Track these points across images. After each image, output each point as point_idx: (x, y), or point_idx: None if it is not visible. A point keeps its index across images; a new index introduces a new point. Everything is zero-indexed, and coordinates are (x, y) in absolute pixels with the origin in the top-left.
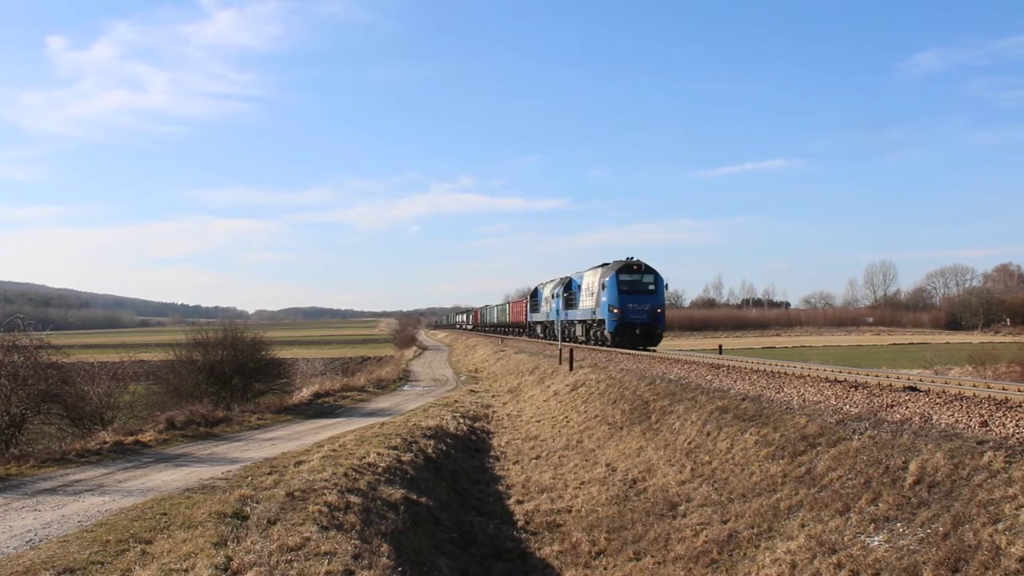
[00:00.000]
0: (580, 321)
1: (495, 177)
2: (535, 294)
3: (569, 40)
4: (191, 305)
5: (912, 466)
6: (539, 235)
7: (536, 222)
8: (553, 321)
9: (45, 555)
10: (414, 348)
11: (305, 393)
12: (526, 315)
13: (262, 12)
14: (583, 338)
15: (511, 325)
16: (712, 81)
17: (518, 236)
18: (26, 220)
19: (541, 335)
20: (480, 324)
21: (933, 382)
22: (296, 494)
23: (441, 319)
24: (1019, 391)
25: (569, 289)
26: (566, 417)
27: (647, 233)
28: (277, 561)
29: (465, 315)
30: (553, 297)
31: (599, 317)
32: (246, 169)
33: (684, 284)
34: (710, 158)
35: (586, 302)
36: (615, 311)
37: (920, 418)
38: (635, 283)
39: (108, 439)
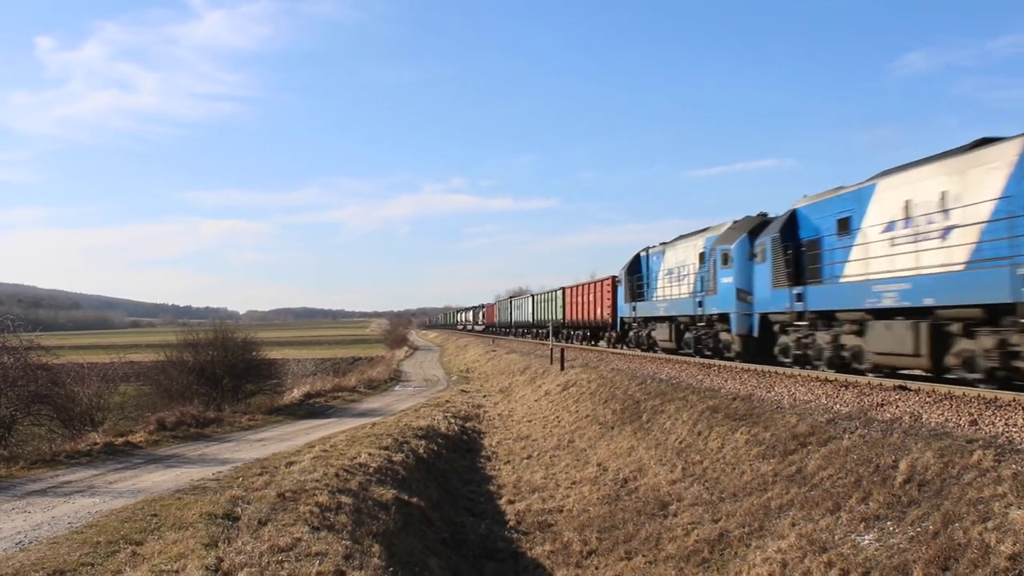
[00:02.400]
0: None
1: (486, 178)
2: (636, 266)
3: (561, 42)
4: (181, 306)
5: (902, 465)
6: (529, 235)
7: (526, 222)
8: (715, 316)
9: (35, 557)
10: (405, 348)
11: (296, 394)
12: (613, 306)
13: (252, 12)
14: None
15: (573, 325)
16: (703, 82)
17: (508, 237)
18: (16, 221)
19: (670, 342)
20: (497, 324)
21: (923, 381)
22: (287, 495)
23: (435, 319)
24: (1008, 390)
25: (791, 236)
26: (557, 417)
27: (637, 234)
28: (268, 562)
29: (471, 312)
30: (714, 265)
31: None
32: (236, 170)
33: None
34: (701, 158)
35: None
36: None
37: (910, 417)
38: None
39: (98, 440)
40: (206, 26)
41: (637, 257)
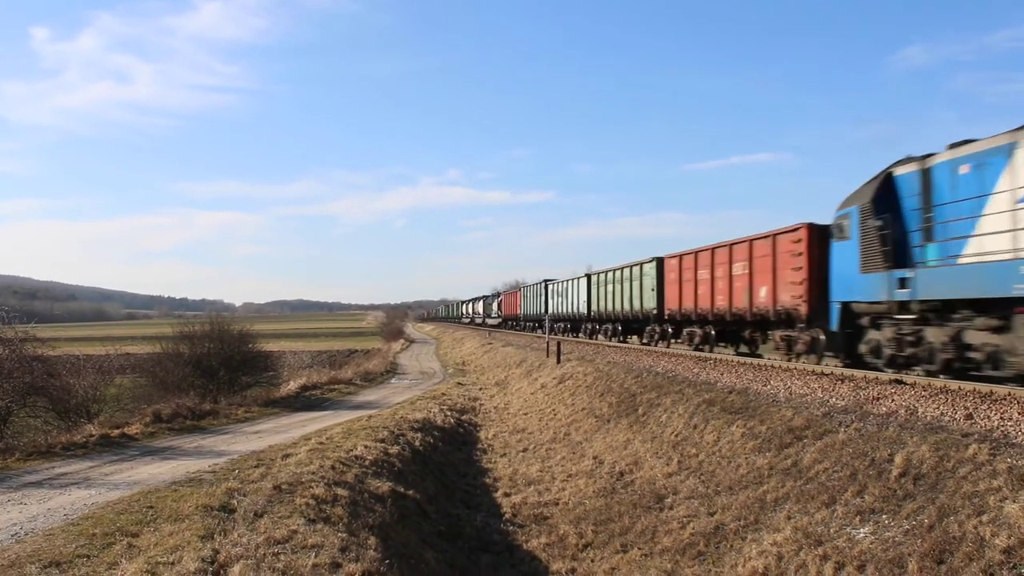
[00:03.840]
0: None
1: (482, 170)
2: (890, 199)
3: (558, 35)
4: (178, 298)
5: (898, 458)
6: (525, 228)
7: (522, 215)
8: None
9: (31, 548)
10: (401, 341)
11: (292, 386)
12: (812, 282)
13: (249, 3)
14: None
15: (682, 319)
16: (699, 76)
17: (504, 230)
18: (11, 213)
19: None
20: (523, 316)
21: (919, 375)
22: (283, 487)
23: (434, 311)
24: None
25: None
26: (553, 410)
27: (634, 227)
28: (264, 554)
29: (482, 303)
30: None
31: None
32: (232, 162)
33: None
34: (697, 152)
35: None
36: None
37: (906, 411)
38: None
39: (94, 432)
40: (202, 17)
41: (888, 180)
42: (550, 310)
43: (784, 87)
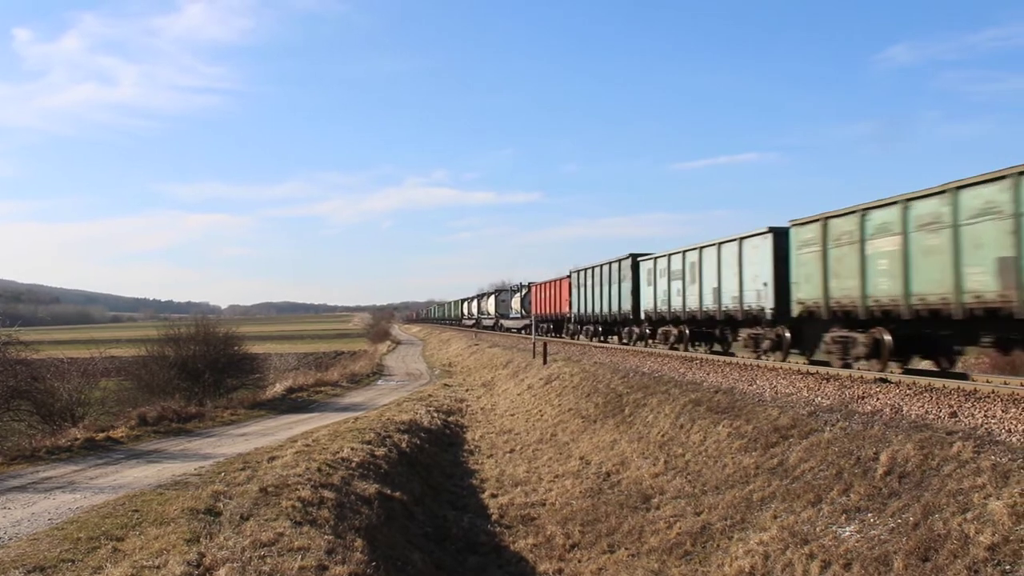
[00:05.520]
0: None
1: (468, 171)
2: None
3: (546, 35)
4: (163, 300)
5: (883, 457)
6: (512, 229)
7: (509, 216)
8: None
9: (15, 553)
10: (388, 342)
11: (278, 388)
12: None
13: (233, 4)
14: None
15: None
16: (687, 75)
17: (491, 230)
18: None
19: None
20: (575, 316)
21: (903, 373)
22: (269, 490)
23: (425, 311)
24: (987, 382)
25: None
26: (540, 411)
27: (621, 227)
28: (250, 557)
29: (494, 299)
30: None
31: None
32: (218, 163)
33: None
34: (684, 152)
35: None
36: None
37: (891, 409)
38: None
39: (79, 436)
40: (186, 18)
41: None
42: (644, 303)
43: (770, 86)
